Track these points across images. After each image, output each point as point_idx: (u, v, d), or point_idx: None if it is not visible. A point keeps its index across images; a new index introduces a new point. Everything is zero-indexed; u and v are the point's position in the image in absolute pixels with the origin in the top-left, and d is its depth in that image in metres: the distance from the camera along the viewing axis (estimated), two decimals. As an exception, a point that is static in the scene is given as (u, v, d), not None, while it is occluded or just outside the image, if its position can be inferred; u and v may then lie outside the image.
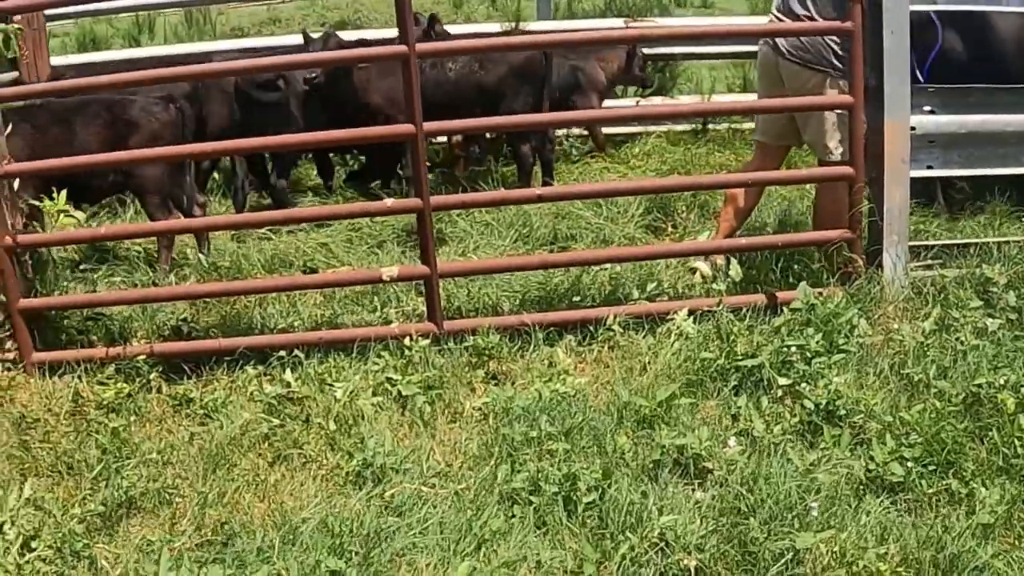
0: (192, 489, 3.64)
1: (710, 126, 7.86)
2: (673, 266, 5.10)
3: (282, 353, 4.36)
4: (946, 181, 5.87)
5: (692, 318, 4.33)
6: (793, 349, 3.96)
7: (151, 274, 5.50)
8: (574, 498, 3.30)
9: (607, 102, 7.76)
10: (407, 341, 4.28)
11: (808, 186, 6.00)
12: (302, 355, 4.33)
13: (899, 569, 2.88)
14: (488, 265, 4.79)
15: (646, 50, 7.80)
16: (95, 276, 5.40)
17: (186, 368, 4.45)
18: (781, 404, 3.83)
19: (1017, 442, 3.47)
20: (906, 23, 4.44)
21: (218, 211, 6.83)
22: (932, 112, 4.62)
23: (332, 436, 3.83)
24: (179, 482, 3.70)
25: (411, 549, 3.13)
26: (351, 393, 4.02)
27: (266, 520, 3.39)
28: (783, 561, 2.91)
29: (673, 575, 2.97)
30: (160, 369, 4.40)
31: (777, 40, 4.79)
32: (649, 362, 4.16)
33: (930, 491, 3.31)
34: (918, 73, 5.12)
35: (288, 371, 4.22)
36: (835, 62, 4.62)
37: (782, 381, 3.85)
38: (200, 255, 5.67)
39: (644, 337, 4.33)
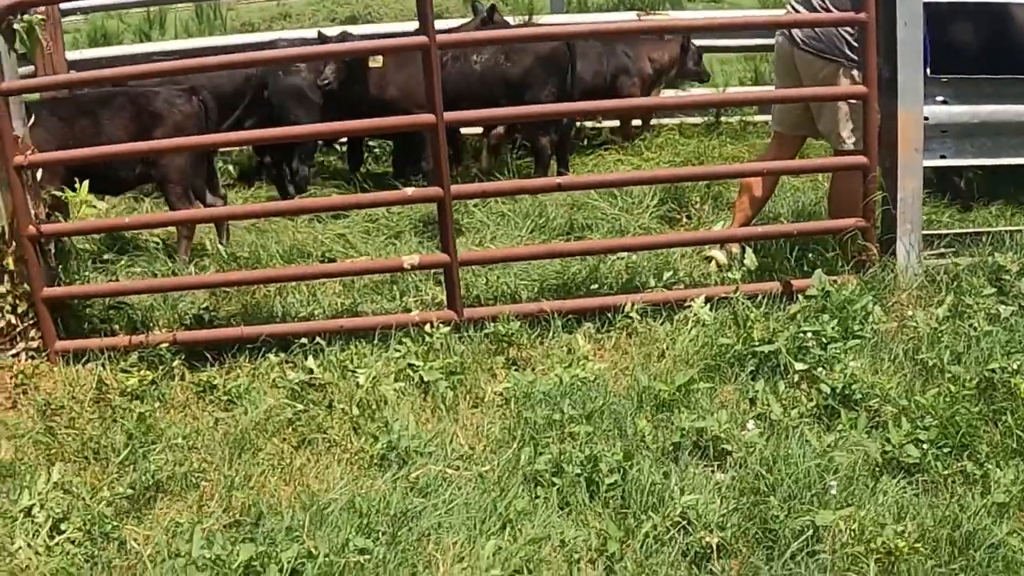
0: (218, 473, 3.71)
1: (722, 119, 7.92)
2: (689, 255, 5.15)
3: (304, 341, 4.41)
4: (958, 174, 5.95)
5: (708, 305, 4.39)
6: (809, 335, 4.02)
7: (170, 264, 5.58)
8: (596, 479, 3.36)
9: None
10: (428, 328, 4.34)
11: (821, 177, 6.07)
12: (323, 343, 4.39)
13: (916, 544, 2.94)
14: (507, 254, 4.84)
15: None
16: (116, 267, 5.47)
17: (208, 356, 4.51)
18: (798, 389, 3.88)
19: (1031, 426, 3.53)
20: (919, 15, 4.49)
21: (234, 202, 6.90)
22: (945, 102, 4.67)
23: (356, 421, 3.89)
24: (205, 466, 3.76)
25: (437, 529, 3.20)
26: (373, 379, 4.07)
27: (293, 502, 3.45)
28: (803, 538, 2.97)
29: (695, 552, 3.03)
30: (182, 357, 4.46)
31: (792, 31, 4.84)
32: (667, 348, 4.22)
33: (945, 472, 3.37)
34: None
35: (310, 358, 4.28)
36: (848, 52, 4.68)
37: (798, 366, 3.90)
38: (219, 245, 5.74)
39: (662, 324, 4.38)
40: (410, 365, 4.16)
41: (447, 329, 4.35)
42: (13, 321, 4.68)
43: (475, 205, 5.98)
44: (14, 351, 4.66)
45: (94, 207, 4.80)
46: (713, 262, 5.06)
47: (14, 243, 4.60)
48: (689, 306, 4.40)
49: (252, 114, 6.58)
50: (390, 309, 4.76)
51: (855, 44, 4.63)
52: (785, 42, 4.93)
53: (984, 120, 4.68)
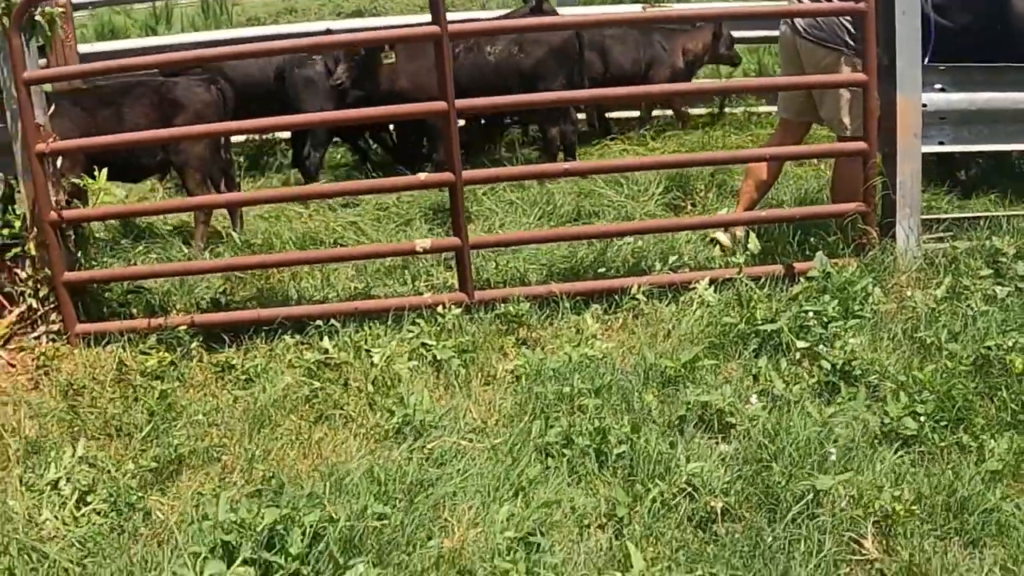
0: (239, 447, 3.83)
1: (726, 109, 8.04)
2: (693, 241, 5.27)
3: (319, 323, 4.53)
4: (961, 168, 6.08)
5: (713, 287, 4.51)
6: (810, 314, 4.14)
7: (186, 250, 5.70)
8: (605, 450, 3.48)
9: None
10: (440, 310, 4.46)
11: (824, 167, 6.19)
12: (338, 324, 4.51)
13: (913, 507, 3.06)
14: (517, 237, 4.97)
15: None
16: (133, 253, 5.60)
17: (225, 338, 4.64)
18: (799, 366, 4.00)
19: (1025, 401, 3.65)
20: (917, 5, 4.61)
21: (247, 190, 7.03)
22: (943, 90, 4.78)
23: (371, 397, 4.01)
24: (226, 441, 3.89)
25: (452, 496, 3.32)
26: (387, 358, 4.19)
27: (313, 473, 3.57)
28: (804, 501, 3.09)
29: (701, 517, 3.15)
30: (200, 339, 4.58)
31: (795, 20, 4.96)
32: (672, 328, 4.34)
33: (942, 444, 3.49)
34: None
35: (325, 339, 4.41)
36: (849, 41, 4.79)
37: (800, 344, 4.02)
38: (233, 232, 5.86)
39: (667, 305, 4.51)
40: (423, 344, 4.28)
41: (459, 310, 4.47)
42: (35, 305, 4.81)
43: (484, 193, 6.10)
44: (35, 334, 4.79)
45: (113, 194, 4.93)
46: (718, 246, 5.18)
47: (35, 229, 4.73)
48: (694, 288, 4.53)
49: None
50: (402, 293, 4.88)
51: (855, 32, 4.74)
52: (788, 31, 5.05)
53: (981, 107, 4.79)
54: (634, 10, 7.85)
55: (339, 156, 8.13)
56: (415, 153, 7.14)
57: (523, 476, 3.36)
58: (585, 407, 3.69)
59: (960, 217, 5.01)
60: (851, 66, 4.79)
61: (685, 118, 8.10)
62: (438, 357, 4.19)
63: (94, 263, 5.13)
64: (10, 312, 4.80)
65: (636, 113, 8.36)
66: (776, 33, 5.40)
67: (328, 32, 7.25)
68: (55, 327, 4.80)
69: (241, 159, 7.83)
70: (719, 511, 3.12)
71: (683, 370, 3.90)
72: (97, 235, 5.77)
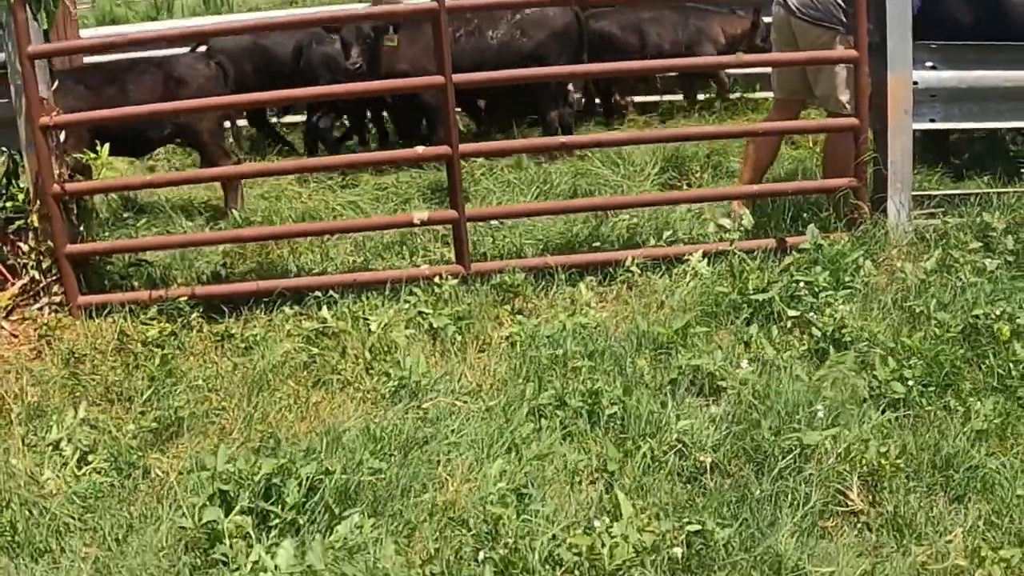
0: (238, 410, 3.89)
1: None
2: (688, 219, 5.33)
3: (317, 294, 4.59)
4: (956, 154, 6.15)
5: (706, 260, 4.57)
6: (802, 285, 4.20)
7: (188, 225, 5.78)
8: (597, 411, 3.54)
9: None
10: (437, 280, 4.52)
11: (820, 150, 6.25)
12: (337, 296, 4.57)
13: (898, 462, 3.12)
14: (514, 210, 5.04)
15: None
16: (136, 226, 5.66)
17: (225, 309, 4.70)
18: (790, 334, 4.06)
19: (1012, 366, 3.70)
20: (907, -19, 4.68)
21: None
22: (934, 68, 4.84)
23: (368, 363, 4.08)
24: (225, 405, 3.95)
25: (447, 453, 3.38)
26: (385, 326, 4.25)
27: (309, 433, 3.64)
28: (791, 456, 3.15)
29: (690, 473, 3.21)
30: (200, 310, 4.64)
31: (789, 1, 5.02)
32: (666, 299, 4.40)
33: (929, 408, 3.54)
34: None
35: (324, 309, 4.47)
36: (844, 19, 4.85)
37: (791, 313, 4.08)
38: (234, 210, 5.93)
39: (661, 277, 4.57)
40: (420, 313, 4.35)
41: (455, 281, 4.53)
42: (37, 277, 4.88)
43: (481, 173, 6.17)
44: (38, 306, 4.85)
45: (116, 169, 5.01)
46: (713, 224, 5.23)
47: (39, 201, 4.79)
48: (687, 261, 4.58)
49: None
50: (400, 267, 4.94)
51: (849, 11, 4.80)
52: (781, 11, 5.11)
53: (972, 85, 4.85)
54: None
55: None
56: (414, 134, 7.21)
57: (516, 434, 3.42)
58: (578, 369, 3.75)
59: (951, 194, 5.07)
60: (846, 44, 4.85)
61: (725, 88, 8.22)
62: (434, 325, 4.25)
63: (96, 237, 5.19)
64: (13, 284, 4.87)
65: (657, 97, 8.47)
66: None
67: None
68: (57, 299, 4.85)
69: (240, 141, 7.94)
70: (708, 466, 3.18)
71: (675, 337, 3.96)
72: (102, 215, 5.83)
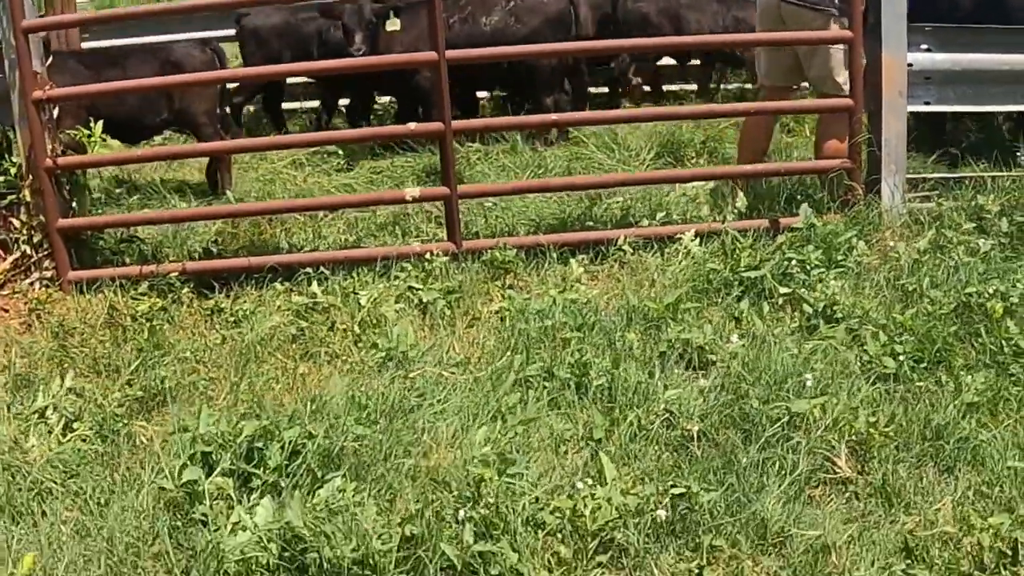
0: (225, 381, 3.87)
1: (721, 87, 8.12)
2: (681, 201, 5.30)
3: (308, 270, 4.57)
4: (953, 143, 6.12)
5: (699, 240, 4.54)
6: (794, 263, 4.18)
7: (180, 204, 5.77)
8: (585, 383, 3.52)
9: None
10: (428, 256, 4.50)
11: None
12: (328, 272, 4.55)
13: (887, 431, 3.09)
14: (505, 187, 5.01)
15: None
16: (128, 203, 5.65)
17: (216, 285, 4.68)
18: (782, 311, 4.04)
19: (1004, 343, 3.68)
20: (901, -35, 4.66)
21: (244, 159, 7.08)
22: (928, 50, 4.82)
23: (357, 336, 4.05)
24: (212, 376, 3.93)
25: (432, 421, 3.35)
26: (374, 300, 4.23)
27: (296, 401, 3.61)
28: (778, 424, 3.13)
29: (677, 440, 3.19)
30: (191, 286, 4.62)
31: None
32: (657, 277, 4.38)
33: (920, 383, 3.52)
34: None
35: (314, 284, 4.44)
36: (837, 2, 4.82)
37: (783, 290, 4.06)
38: (227, 191, 5.92)
39: (653, 256, 4.54)
40: (410, 288, 4.32)
41: (446, 258, 4.51)
42: (28, 251, 4.85)
43: (478, 158, 6.15)
44: (29, 280, 4.83)
45: (109, 146, 4.99)
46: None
47: (31, 176, 4.77)
48: (680, 240, 4.56)
49: None
50: (392, 244, 4.92)
51: (843, -7, 4.79)
52: None
53: (966, 68, 4.83)
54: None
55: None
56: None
57: (502, 403, 3.39)
58: (567, 341, 3.73)
59: (946, 177, 5.05)
60: (840, 25, 4.83)
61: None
62: (424, 300, 4.23)
63: (89, 214, 5.18)
64: (4, 259, 4.85)
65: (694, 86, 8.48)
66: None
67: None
68: (48, 274, 4.83)
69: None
70: (695, 434, 3.16)
71: (666, 312, 3.94)
72: (94, 195, 5.82)
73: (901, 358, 3.59)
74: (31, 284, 4.81)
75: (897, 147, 4.67)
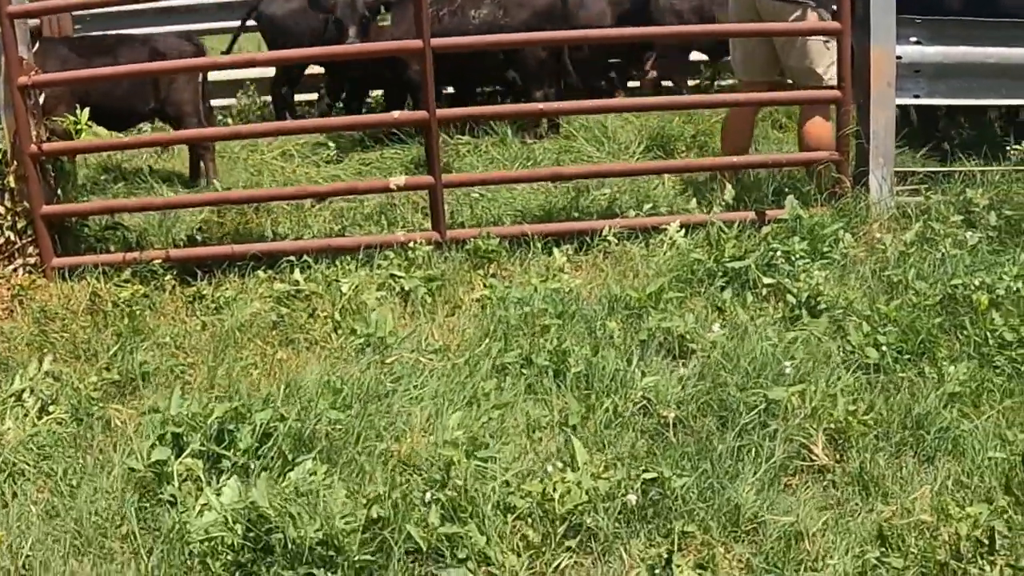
0: (203, 365, 3.84)
1: (717, 82, 8.08)
2: (668, 194, 5.28)
3: (292, 258, 4.55)
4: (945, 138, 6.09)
5: (684, 231, 4.51)
6: (779, 253, 4.15)
7: (166, 192, 5.75)
8: (563, 370, 3.48)
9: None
10: (411, 245, 4.47)
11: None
12: (311, 260, 4.52)
13: (866, 419, 3.06)
14: (491, 177, 4.99)
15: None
16: (114, 190, 5.63)
17: (199, 272, 4.65)
18: (765, 301, 4.01)
19: (989, 334, 3.64)
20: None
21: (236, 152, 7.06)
22: (918, 43, 4.78)
23: (337, 323, 4.02)
24: (190, 361, 3.90)
25: (408, 407, 3.32)
26: (356, 288, 4.20)
27: (272, 385, 3.58)
28: (756, 411, 3.09)
29: (654, 427, 3.15)
30: (175, 273, 4.60)
31: None
32: (641, 267, 4.34)
33: (902, 374, 3.48)
34: None
35: (297, 271, 4.42)
36: None
37: (767, 281, 4.03)
38: (214, 181, 5.90)
39: (638, 246, 4.51)
40: (392, 276, 4.29)
41: (430, 247, 4.48)
42: (12, 238, 4.82)
43: (467, 151, 6.12)
44: (12, 267, 4.80)
45: (96, 134, 4.97)
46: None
47: (15, 162, 4.75)
48: (665, 231, 4.53)
49: None
50: (376, 233, 4.90)
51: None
52: None
53: (956, 61, 4.80)
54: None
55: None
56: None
57: (478, 389, 3.36)
58: (547, 328, 3.70)
59: (935, 171, 5.02)
60: (818, 17, 4.78)
61: None
62: (406, 287, 4.20)
63: (74, 197, 5.15)
64: (-13, 246, 4.83)
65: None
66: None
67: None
68: (32, 260, 4.80)
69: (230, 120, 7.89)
70: (671, 421, 3.12)
71: (648, 301, 3.90)
72: (80, 183, 5.80)
73: (884, 349, 3.55)
74: (14, 270, 4.77)
75: (885, 139, 4.64)
